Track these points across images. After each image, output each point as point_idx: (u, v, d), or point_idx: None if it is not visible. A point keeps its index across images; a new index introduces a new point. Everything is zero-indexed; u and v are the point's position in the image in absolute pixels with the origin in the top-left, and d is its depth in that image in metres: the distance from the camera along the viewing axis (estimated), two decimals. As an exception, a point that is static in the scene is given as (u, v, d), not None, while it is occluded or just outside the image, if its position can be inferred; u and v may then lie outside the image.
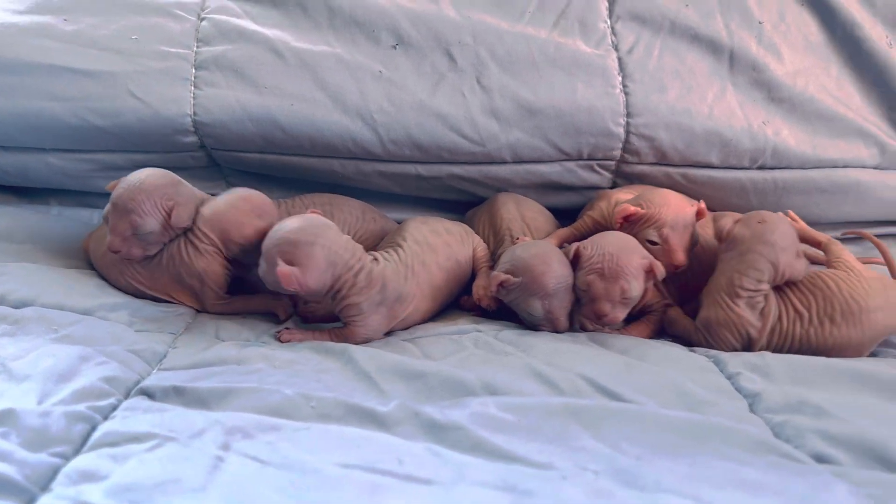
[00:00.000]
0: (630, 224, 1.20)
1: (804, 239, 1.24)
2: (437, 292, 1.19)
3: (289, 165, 1.36)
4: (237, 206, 1.16)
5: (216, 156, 1.35)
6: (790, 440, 0.85)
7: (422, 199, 1.44)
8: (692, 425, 0.82)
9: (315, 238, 1.07)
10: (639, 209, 1.19)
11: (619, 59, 1.39)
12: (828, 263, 1.20)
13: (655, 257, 1.16)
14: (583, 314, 1.15)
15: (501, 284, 1.13)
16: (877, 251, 1.29)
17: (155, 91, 1.29)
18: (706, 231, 1.27)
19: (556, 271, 1.12)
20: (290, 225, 1.09)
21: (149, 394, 0.86)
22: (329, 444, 0.76)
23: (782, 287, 1.16)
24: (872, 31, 1.46)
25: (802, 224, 1.30)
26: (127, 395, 0.87)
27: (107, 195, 1.18)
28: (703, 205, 1.23)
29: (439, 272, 1.19)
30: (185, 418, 0.79)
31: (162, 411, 0.81)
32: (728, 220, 1.18)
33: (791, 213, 1.32)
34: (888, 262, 1.25)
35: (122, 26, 1.34)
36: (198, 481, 0.67)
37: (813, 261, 1.27)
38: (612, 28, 1.41)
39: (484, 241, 1.30)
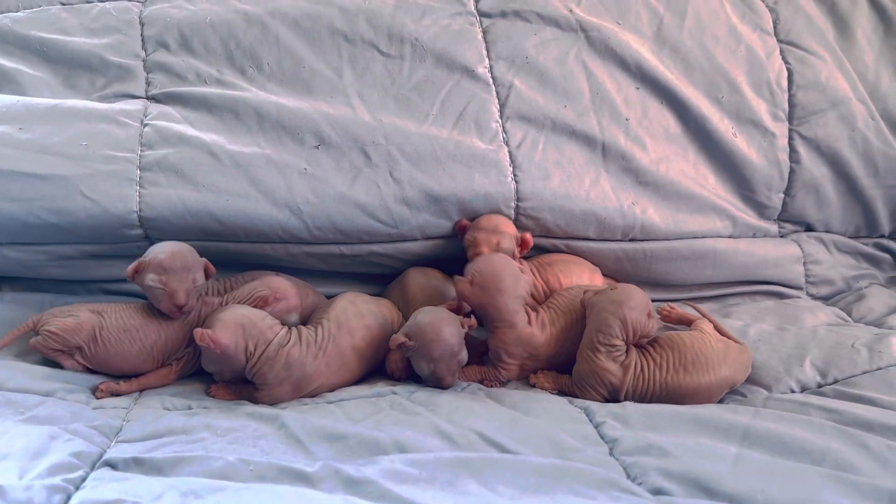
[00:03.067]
0: (463, 231, 1.54)
1: (680, 321, 1.48)
2: (346, 370, 1.36)
3: (225, 251, 1.49)
4: None
5: (160, 245, 1.50)
6: (636, 478, 1.05)
7: (345, 273, 1.60)
8: (556, 469, 1.02)
9: (229, 306, 1.32)
10: (467, 222, 1.55)
11: (510, 153, 1.59)
12: (690, 328, 1.43)
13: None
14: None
15: (400, 345, 1.32)
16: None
17: (104, 191, 1.41)
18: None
19: (444, 341, 1.31)
20: None
21: (112, 465, 1.02)
22: (265, 499, 0.93)
23: (645, 345, 1.39)
24: (720, 124, 1.71)
25: (679, 311, 1.50)
26: (93, 468, 1.02)
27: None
28: (528, 235, 1.53)
29: (352, 353, 1.36)
30: (145, 485, 0.95)
31: (125, 479, 0.97)
32: (591, 292, 1.42)
33: (671, 305, 1.52)
34: (714, 323, 1.46)
35: (73, 133, 1.45)
36: (163, 534, 0.84)
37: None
38: (503, 127, 1.61)
39: (399, 310, 1.48)
